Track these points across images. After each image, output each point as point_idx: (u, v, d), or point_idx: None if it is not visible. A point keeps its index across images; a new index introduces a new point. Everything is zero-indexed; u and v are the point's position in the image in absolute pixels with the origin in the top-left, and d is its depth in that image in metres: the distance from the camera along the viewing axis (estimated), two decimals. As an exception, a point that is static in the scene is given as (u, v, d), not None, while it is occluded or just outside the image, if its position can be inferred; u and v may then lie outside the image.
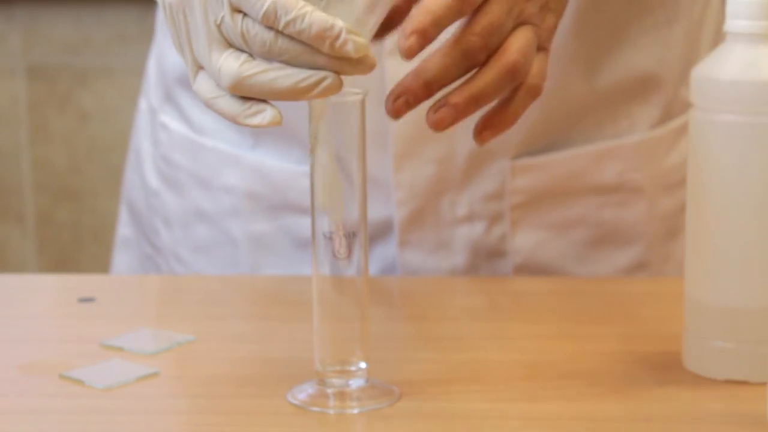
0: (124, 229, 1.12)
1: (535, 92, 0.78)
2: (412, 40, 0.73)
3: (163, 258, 1.09)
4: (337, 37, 0.70)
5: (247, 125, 0.72)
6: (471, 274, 1.00)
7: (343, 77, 0.71)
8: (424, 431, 0.74)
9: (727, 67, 0.78)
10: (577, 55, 0.97)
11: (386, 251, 1.00)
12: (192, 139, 1.05)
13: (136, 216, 1.11)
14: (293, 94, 0.71)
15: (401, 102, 0.75)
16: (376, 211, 0.99)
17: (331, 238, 0.75)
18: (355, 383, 0.77)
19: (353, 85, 0.74)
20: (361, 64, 0.71)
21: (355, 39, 0.70)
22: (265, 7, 0.70)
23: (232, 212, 1.03)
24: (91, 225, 1.99)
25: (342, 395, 0.77)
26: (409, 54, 0.73)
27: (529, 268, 1.01)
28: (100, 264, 1.99)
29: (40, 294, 1.01)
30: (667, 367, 0.81)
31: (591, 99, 0.99)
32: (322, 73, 0.70)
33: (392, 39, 0.93)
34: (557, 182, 1.00)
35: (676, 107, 1.02)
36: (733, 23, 0.79)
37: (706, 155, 0.79)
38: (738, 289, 0.79)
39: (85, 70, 1.94)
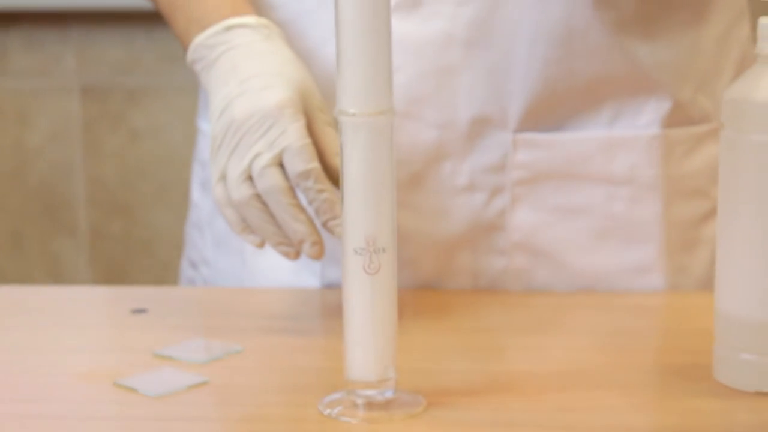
0: (186, 271, 1.14)
1: None
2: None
3: (198, 272, 1.10)
4: (332, 219, 0.87)
5: (241, 238, 0.90)
6: (468, 247, 1.00)
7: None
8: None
9: (759, 89, 0.79)
10: (589, 34, 0.96)
11: None
12: None
13: (189, 247, 1.13)
14: (264, 241, 0.90)
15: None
16: None
17: (361, 254, 0.77)
18: (384, 394, 0.78)
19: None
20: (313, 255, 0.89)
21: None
22: (308, 167, 0.87)
23: None
24: (141, 238, 2.00)
25: (370, 405, 0.78)
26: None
27: (529, 249, 1.00)
28: (150, 276, 2.00)
29: (94, 305, 1.03)
30: (698, 380, 0.82)
31: (597, 81, 0.98)
32: (291, 249, 0.89)
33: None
34: (563, 164, 0.99)
35: (695, 113, 1.01)
36: (764, 45, 0.79)
37: (738, 174, 0.80)
38: None
39: (136, 90, 1.96)
